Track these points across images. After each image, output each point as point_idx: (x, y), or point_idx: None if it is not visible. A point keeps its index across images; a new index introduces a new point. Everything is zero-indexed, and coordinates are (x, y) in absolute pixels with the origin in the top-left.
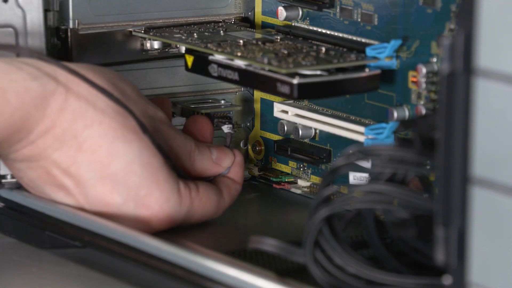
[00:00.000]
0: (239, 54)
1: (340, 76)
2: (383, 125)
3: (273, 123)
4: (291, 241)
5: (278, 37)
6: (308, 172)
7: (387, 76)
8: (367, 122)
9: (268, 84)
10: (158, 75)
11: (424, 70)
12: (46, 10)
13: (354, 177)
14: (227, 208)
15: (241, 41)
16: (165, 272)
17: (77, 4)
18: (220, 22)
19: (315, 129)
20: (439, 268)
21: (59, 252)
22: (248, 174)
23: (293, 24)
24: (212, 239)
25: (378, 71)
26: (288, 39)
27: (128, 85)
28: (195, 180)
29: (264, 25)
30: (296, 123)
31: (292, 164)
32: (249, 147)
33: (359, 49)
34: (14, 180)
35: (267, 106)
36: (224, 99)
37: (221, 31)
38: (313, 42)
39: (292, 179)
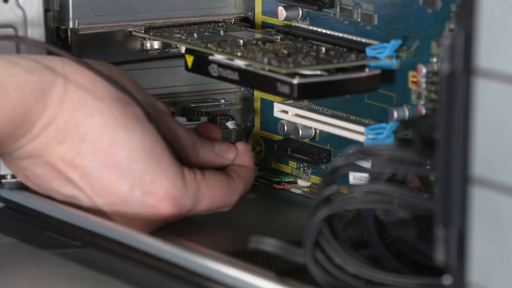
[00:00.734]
0: (239, 54)
1: (340, 76)
2: (383, 125)
3: (273, 123)
4: (291, 241)
5: (278, 37)
6: (308, 172)
7: (387, 76)
8: (367, 122)
9: (268, 84)
10: (158, 75)
11: (424, 70)
12: (46, 10)
13: (354, 177)
14: (242, 194)
15: (241, 41)
16: (165, 272)
17: (77, 4)
18: (220, 22)
19: (315, 129)
20: (439, 268)
21: (59, 252)
22: None
23: (293, 24)
24: (212, 239)
25: (378, 71)
26: (288, 39)
27: (127, 77)
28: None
29: (264, 25)
30: (296, 123)
31: (292, 164)
32: (249, 147)
33: (359, 49)
34: (14, 180)
35: (267, 106)
36: (224, 99)
37: (221, 31)
38: (313, 42)
39: (292, 179)
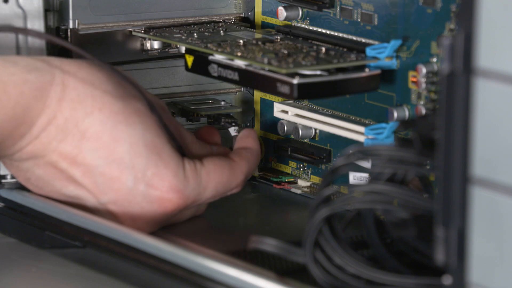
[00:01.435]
0: (239, 54)
1: (340, 76)
2: (383, 125)
3: (273, 123)
4: (291, 241)
5: (278, 37)
6: (308, 172)
7: (387, 76)
8: (367, 122)
9: (268, 84)
10: (158, 75)
11: (424, 70)
12: (46, 10)
13: (354, 177)
14: (248, 174)
15: (241, 41)
16: (165, 272)
17: (77, 4)
18: (220, 22)
19: (315, 129)
20: (439, 268)
21: (59, 252)
22: None
23: (293, 24)
24: (212, 239)
25: (378, 71)
26: (288, 39)
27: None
28: None
29: (264, 25)
30: (296, 123)
31: (292, 164)
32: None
33: (359, 49)
34: (14, 180)
35: (267, 106)
36: (224, 100)
37: (221, 31)
38: (313, 42)
39: (292, 179)
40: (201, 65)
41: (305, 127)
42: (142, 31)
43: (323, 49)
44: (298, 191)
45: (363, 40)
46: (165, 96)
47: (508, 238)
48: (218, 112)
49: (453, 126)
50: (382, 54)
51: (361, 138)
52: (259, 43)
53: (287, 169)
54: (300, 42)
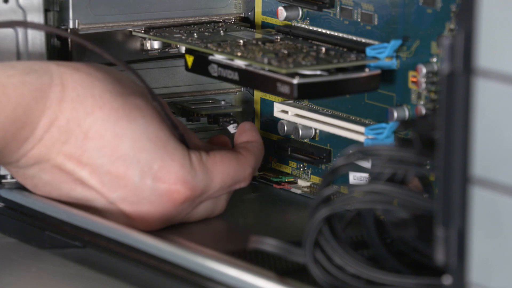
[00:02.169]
0: (239, 54)
1: (340, 76)
2: (383, 125)
3: (273, 123)
4: (291, 241)
5: (278, 37)
6: (308, 172)
7: (387, 76)
8: (367, 122)
9: (268, 84)
10: (158, 75)
11: (424, 70)
12: (46, 10)
13: (354, 177)
14: (255, 167)
15: (241, 41)
16: (165, 272)
17: (77, 4)
18: (220, 22)
19: (315, 129)
20: (439, 268)
21: (59, 252)
22: None
23: (293, 24)
24: (212, 239)
25: (378, 71)
26: (288, 39)
27: (122, 74)
28: None
29: (264, 25)
30: (296, 123)
31: (292, 164)
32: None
33: (359, 49)
34: (14, 180)
35: (267, 106)
36: (224, 100)
37: (221, 31)
38: (313, 42)
39: (292, 179)
40: (201, 65)
41: (305, 127)
42: (142, 31)
43: (323, 49)
44: (298, 191)
45: (363, 40)
46: (165, 96)
47: (508, 238)
48: (218, 112)
49: (453, 126)
50: (382, 54)
51: (361, 138)
52: (259, 43)
53: (287, 169)
54: (300, 42)
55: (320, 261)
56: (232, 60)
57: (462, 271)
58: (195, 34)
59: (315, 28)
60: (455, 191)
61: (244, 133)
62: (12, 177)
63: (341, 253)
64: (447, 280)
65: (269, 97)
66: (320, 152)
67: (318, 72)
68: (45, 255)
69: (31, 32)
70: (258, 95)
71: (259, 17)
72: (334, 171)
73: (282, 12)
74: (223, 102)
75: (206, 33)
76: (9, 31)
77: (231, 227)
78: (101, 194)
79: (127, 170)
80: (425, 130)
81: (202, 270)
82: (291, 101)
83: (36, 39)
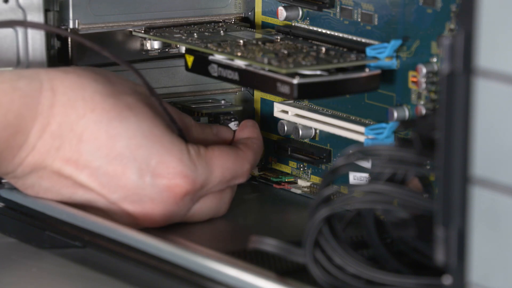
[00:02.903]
0: (239, 54)
1: (340, 76)
2: (383, 125)
3: (273, 123)
4: (291, 241)
5: (278, 37)
6: (308, 172)
7: (387, 76)
8: (367, 122)
9: (268, 84)
10: (158, 75)
11: (424, 70)
12: (46, 10)
13: (354, 177)
14: (254, 163)
15: (241, 41)
16: (165, 272)
17: (77, 4)
18: (220, 22)
19: (315, 129)
20: (439, 268)
21: (59, 252)
22: None
23: (293, 24)
24: (212, 239)
25: (378, 71)
26: (288, 39)
27: (112, 74)
28: None
29: (264, 25)
30: (296, 123)
31: (292, 164)
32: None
33: (359, 49)
34: None
35: (267, 106)
36: (224, 99)
37: (221, 31)
38: (313, 42)
39: (292, 179)
40: (201, 65)
41: (305, 127)
42: (142, 31)
43: (323, 49)
44: (298, 191)
45: (363, 40)
46: (165, 96)
47: (508, 238)
48: (218, 111)
49: (453, 126)
50: (382, 54)
51: (361, 138)
52: (259, 43)
53: (287, 169)
54: (300, 42)
55: (320, 261)
56: (232, 60)
57: (462, 271)
58: (195, 34)
59: (315, 28)
60: (455, 191)
61: (245, 129)
62: None
63: (341, 253)
64: (447, 280)
65: (269, 97)
66: (320, 152)
67: (318, 72)
68: (45, 255)
69: (31, 32)
70: (258, 95)
71: (259, 17)
72: (334, 171)
73: (282, 12)
74: (223, 101)
75: (206, 33)
76: (9, 31)
77: (231, 227)
78: (102, 195)
79: (124, 169)
80: (425, 130)
81: (202, 270)
82: (291, 101)
83: (36, 39)
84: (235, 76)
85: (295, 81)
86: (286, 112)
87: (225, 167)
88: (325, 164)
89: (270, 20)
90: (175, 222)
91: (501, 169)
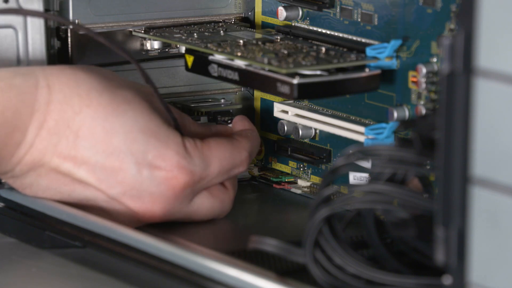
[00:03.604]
0: (239, 54)
1: (340, 76)
2: (383, 125)
3: (273, 123)
4: (291, 241)
5: (278, 37)
6: (308, 172)
7: (387, 76)
8: (367, 122)
9: (268, 84)
10: (158, 75)
11: (424, 70)
12: (46, 10)
13: (354, 177)
14: (251, 152)
15: (241, 41)
16: (165, 272)
17: (77, 4)
18: (220, 22)
19: (315, 129)
20: (439, 268)
21: (59, 252)
22: (248, 174)
23: (293, 24)
24: (212, 239)
25: (378, 71)
26: (288, 39)
27: (108, 71)
28: None
29: (264, 25)
30: (296, 123)
31: (292, 164)
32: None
33: (359, 49)
34: None
35: (267, 106)
36: (224, 99)
37: (221, 31)
38: (313, 42)
39: (292, 179)
40: (201, 65)
41: (305, 127)
42: (142, 31)
43: (323, 49)
44: (298, 191)
45: (363, 40)
46: (165, 96)
47: (508, 238)
48: (218, 110)
49: (453, 126)
50: (382, 54)
51: (361, 138)
52: (259, 43)
53: (287, 169)
54: (300, 42)
55: (320, 261)
56: (232, 60)
57: (462, 271)
58: (195, 34)
59: (315, 28)
60: (455, 191)
61: (237, 123)
62: None
63: (341, 253)
64: (447, 280)
65: (269, 97)
66: (320, 152)
67: (318, 72)
68: (45, 255)
69: (31, 32)
70: (258, 95)
71: (259, 17)
72: (334, 171)
73: (282, 12)
74: (222, 100)
75: (206, 33)
76: (9, 31)
77: (231, 227)
78: (101, 191)
79: (122, 164)
80: (425, 130)
81: (202, 270)
82: (291, 101)
83: (36, 39)
84: (235, 76)
85: (295, 81)
86: (286, 112)
87: (222, 157)
88: (325, 164)
89: (270, 20)
90: (176, 218)
91: (501, 169)
